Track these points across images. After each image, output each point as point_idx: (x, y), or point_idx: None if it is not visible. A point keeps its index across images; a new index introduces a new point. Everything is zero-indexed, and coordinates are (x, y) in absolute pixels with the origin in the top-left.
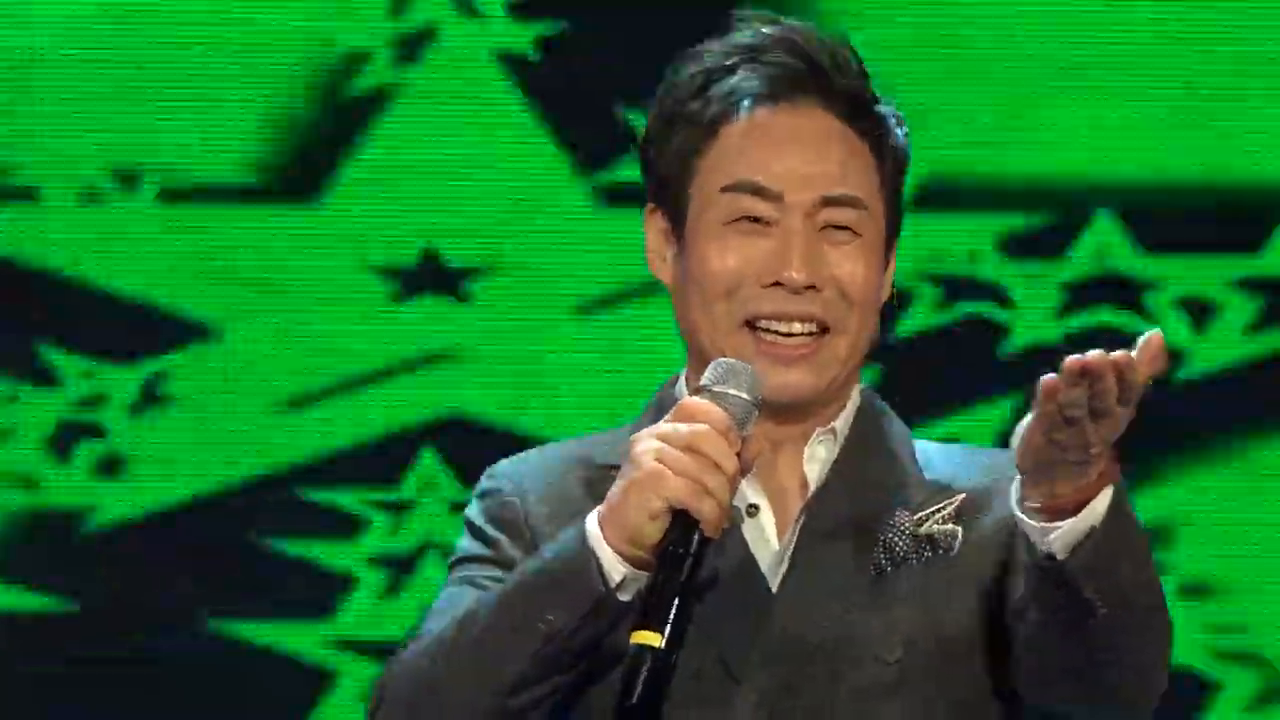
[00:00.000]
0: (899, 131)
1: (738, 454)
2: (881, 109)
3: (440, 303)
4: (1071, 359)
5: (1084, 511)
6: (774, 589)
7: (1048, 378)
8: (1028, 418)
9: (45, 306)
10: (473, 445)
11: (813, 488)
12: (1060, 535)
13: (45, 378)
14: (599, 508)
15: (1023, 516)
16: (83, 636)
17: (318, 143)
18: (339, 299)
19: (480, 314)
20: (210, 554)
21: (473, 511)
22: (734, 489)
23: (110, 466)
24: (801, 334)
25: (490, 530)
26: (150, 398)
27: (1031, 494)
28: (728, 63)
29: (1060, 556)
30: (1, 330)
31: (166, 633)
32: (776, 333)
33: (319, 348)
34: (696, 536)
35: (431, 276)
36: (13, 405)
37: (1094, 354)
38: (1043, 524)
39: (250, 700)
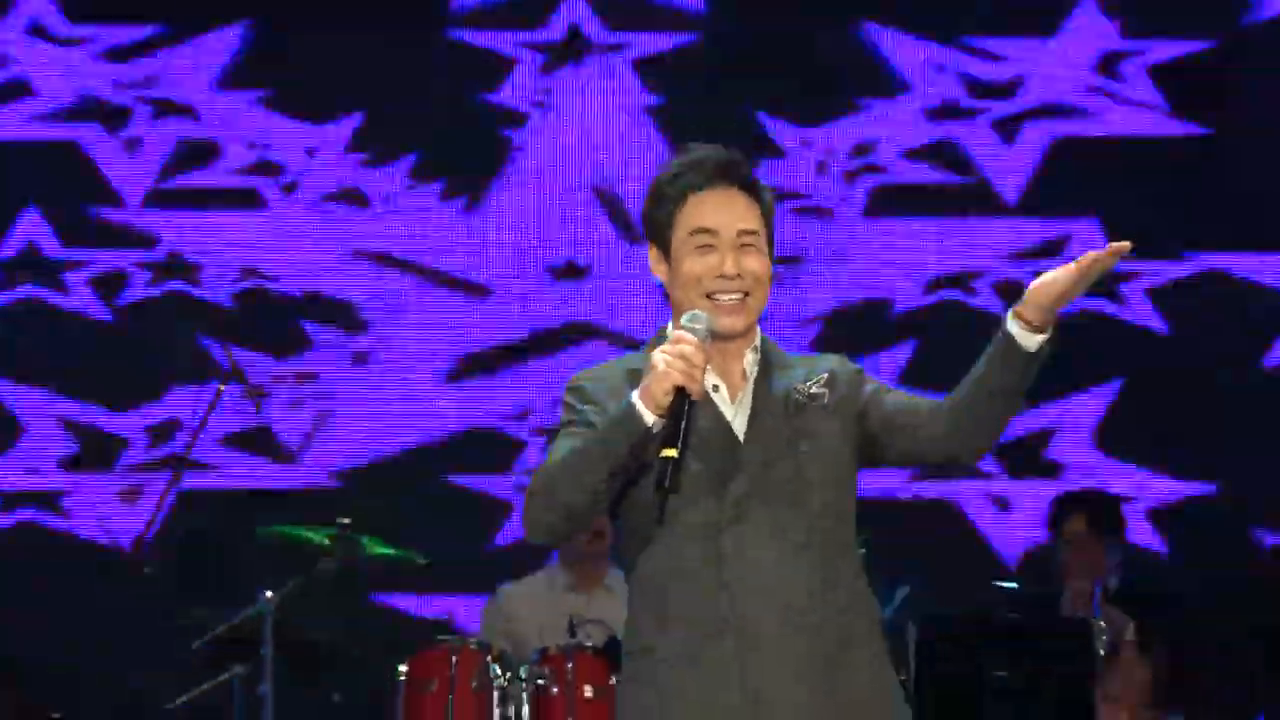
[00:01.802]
0: (767, 195)
1: (706, 356)
2: (760, 184)
3: None
4: (1114, 245)
5: (1049, 330)
6: (738, 432)
7: (1100, 252)
8: (1053, 274)
9: None
10: None
11: (751, 377)
12: (1039, 340)
13: None
14: (637, 389)
15: (1018, 329)
16: None
17: None
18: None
19: None
20: None
21: (568, 399)
22: (703, 374)
23: None
24: (734, 298)
25: (579, 405)
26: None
27: (1035, 316)
28: (685, 168)
29: (1032, 351)
30: None
31: None
32: (721, 298)
33: None
34: (688, 400)
35: None
36: None
37: (1120, 244)
38: (1030, 332)
39: None
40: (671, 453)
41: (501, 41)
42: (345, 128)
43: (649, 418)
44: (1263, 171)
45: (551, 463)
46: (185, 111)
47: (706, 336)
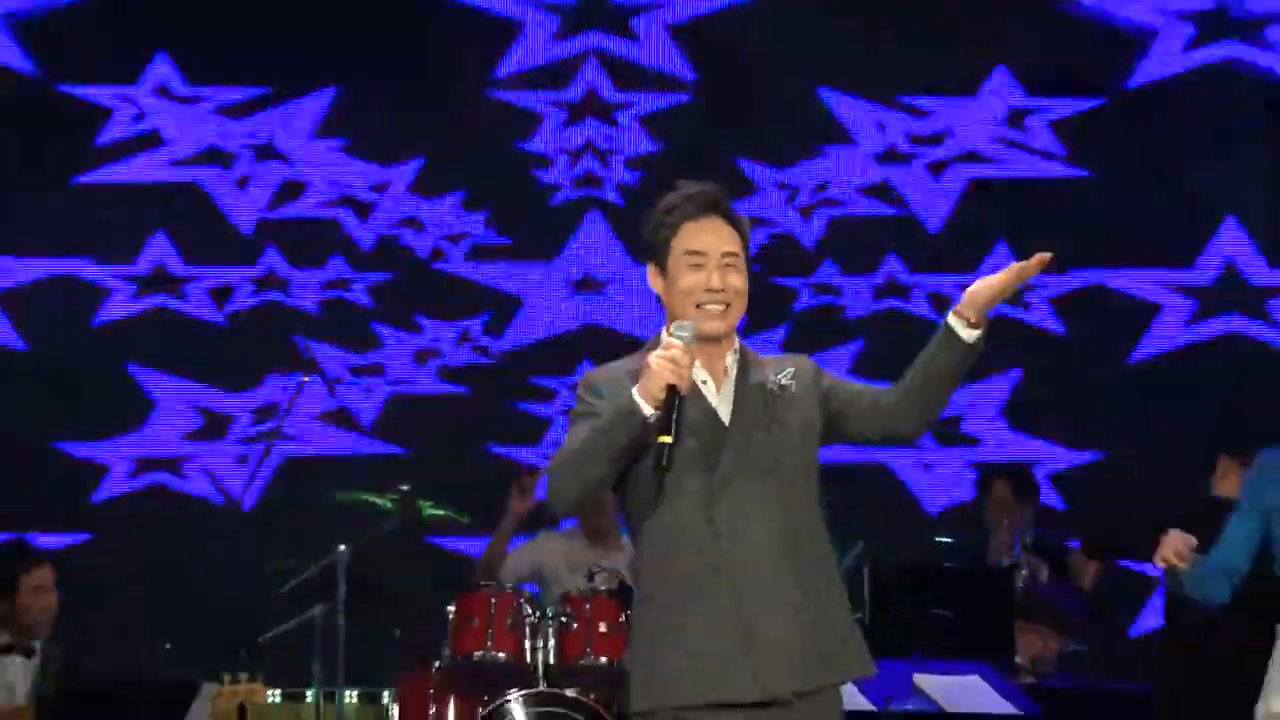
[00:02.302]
0: (745, 224)
1: (692, 357)
2: (739, 216)
3: None
4: (1039, 256)
5: (984, 327)
6: (724, 418)
7: (1026, 262)
8: (988, 280)
9: None
10: None
11: (732, 373)
12: (976, 335)
13: None
14: (636, 385)
15: (958, 324)
16: None
17: None
18: None
19: None
20: None
21: (581, 391)
22: (689, 373)
23: None
24: (719, 308)
25: (590, 398)
26: None
27: (972, 315)
28: (680, 202)
29: (971, 343)
30: None
31: None
32: (709, 307)
33: None
34: (678, 395)
35: None
36: None
37: (1042, 255)
38: (969, 328)
39: None
40: (666, 439)
41: (533, 100)
42: (409, 170)
43: (647, 410)
44: (1135, 206)
45: (568, 448)
46: (282, 157)
47: (692, 341)
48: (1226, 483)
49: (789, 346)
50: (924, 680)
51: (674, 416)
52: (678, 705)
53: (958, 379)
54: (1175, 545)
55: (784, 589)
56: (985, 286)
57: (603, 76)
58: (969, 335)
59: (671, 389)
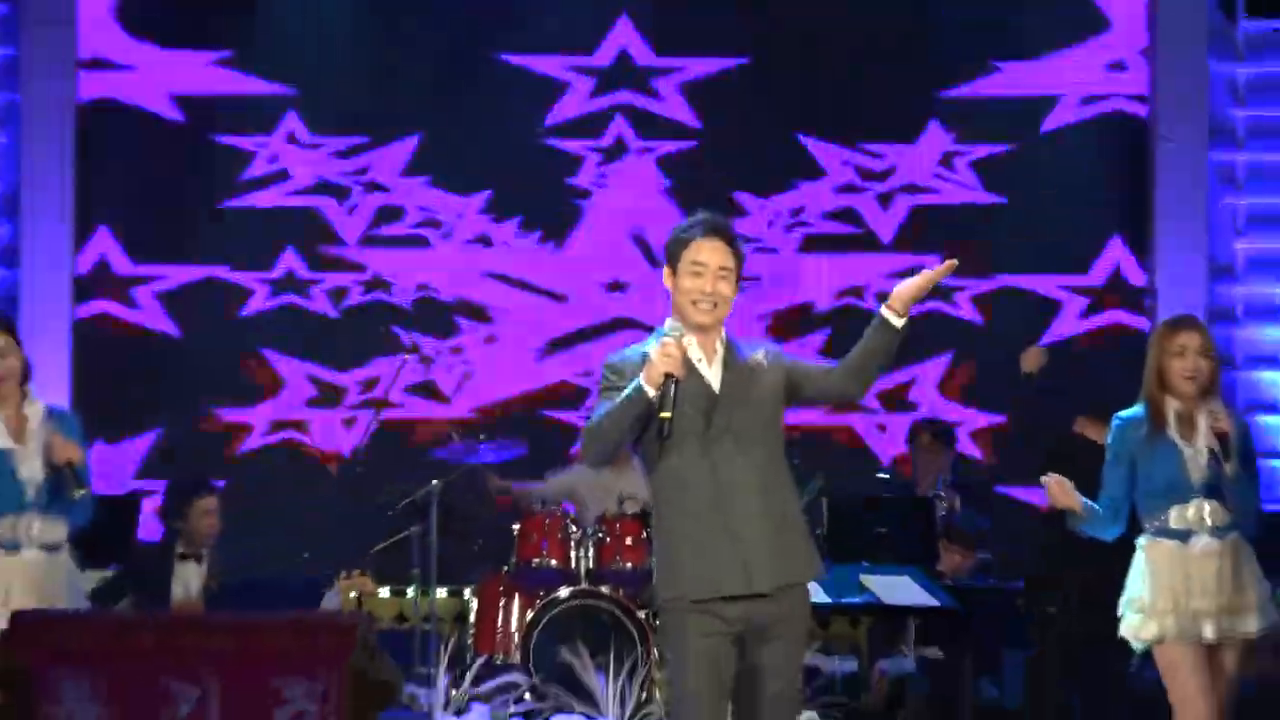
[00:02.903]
0: (740, 246)
1: (682, 350)
2: (736, 239)
3: None
4: (947, 263)
5: (907, 316)
6: (715, 388)
7: (937, 268)
8: (912, 280)
9: None
10: None
11: (720, 354)
12: (903, 322)
13: None
14: (642, 373)
15: (889, 314)
16: None
17: None
18: None
19: None
20: None
21: (606, 371)
22: (681, 363)
23: None
24: (708, 307)
25: (612, 378)
26: None
27: (900, 308)
28: (693, 224)
29: (898, 328)
30: None
31: None
32: (701, 305)
33: None
34: (674, 379)
35: None
36: None
37: (950, 262)
38: (897, 317)
39: None
40: (665, 415)
41: (574, 146)
42: (480, 199)
43: (651, 392)
44: (1040, 226)
45: (596, 417)
46: (382, 189)
47: (682, 336)
48: (1095, 430)
49: (778, 329)
50: (868, 579)
51: (671, 396)
52: (695, 599)
53: (890, 355)
54: (1055, 487)
55: (760, 514)
56: (908, 286)
57: (628, 126)
58: (897, 322)
59: (668, 376)
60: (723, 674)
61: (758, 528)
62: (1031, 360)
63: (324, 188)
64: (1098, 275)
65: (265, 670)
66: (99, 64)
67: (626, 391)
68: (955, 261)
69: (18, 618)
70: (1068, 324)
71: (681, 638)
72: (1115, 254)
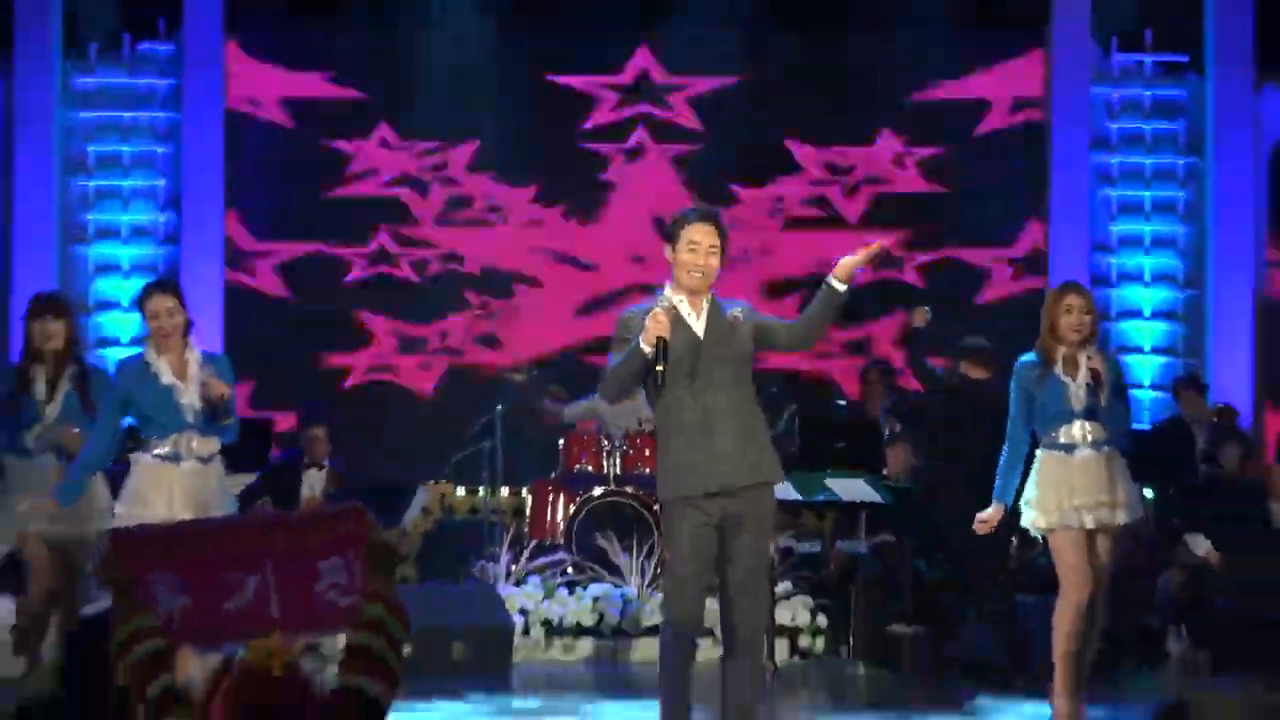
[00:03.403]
0: (725, 229)
1: (670, 319)
2: (723, 224)
3: None
4: (880, 241)
5: (850, 284)
6: (700, 336)
7: (874, 245)
8: (852, 255)
9: None
10: None
11: (705, 310)
12: (845, 288)
13: None
14: (641, 334)
15: (835, 281)
16: None
17: None
18: None
19: None
20: None
21: (618, 326)
22: (669, 328)
23: None
24: (698, 276)
25: (622, 331)
26: None
27: (844, 276)
28: (689, 212)
29: (842, 292)
30: None
31: None
32: (693, 274)
33: None
34: (664, 341)
35: None
36: None
37: (884, 241)
38: (840, 283)
39: None
40: (660, 368)
41: (605, 148)
42: (529, 190)
43: (648, 350)
44: (974, 213)
45: (610, 366)
46: (454, 182)
47: (671, 304)
48: (974, 370)
49: (767, 292)
50: (831, 482)
51: (663, 353)
52: (682, 496)
53: (835, 314)
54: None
55: (734, 432)
56: (850, 259)
57: (646, 132)
58: (840, 287)
59: (659, 339)
60: (706, 554)
61: (732, 442)
62: (919, 317)
63: (407, 180)
64: (1019, 249)
65: (306, 556)
66: (238, 86)
67: (630, 348)
68: (885, 242)
69: (116, 534)
70: (995, 289)
71: (675, 526)
72: (1033, 234)
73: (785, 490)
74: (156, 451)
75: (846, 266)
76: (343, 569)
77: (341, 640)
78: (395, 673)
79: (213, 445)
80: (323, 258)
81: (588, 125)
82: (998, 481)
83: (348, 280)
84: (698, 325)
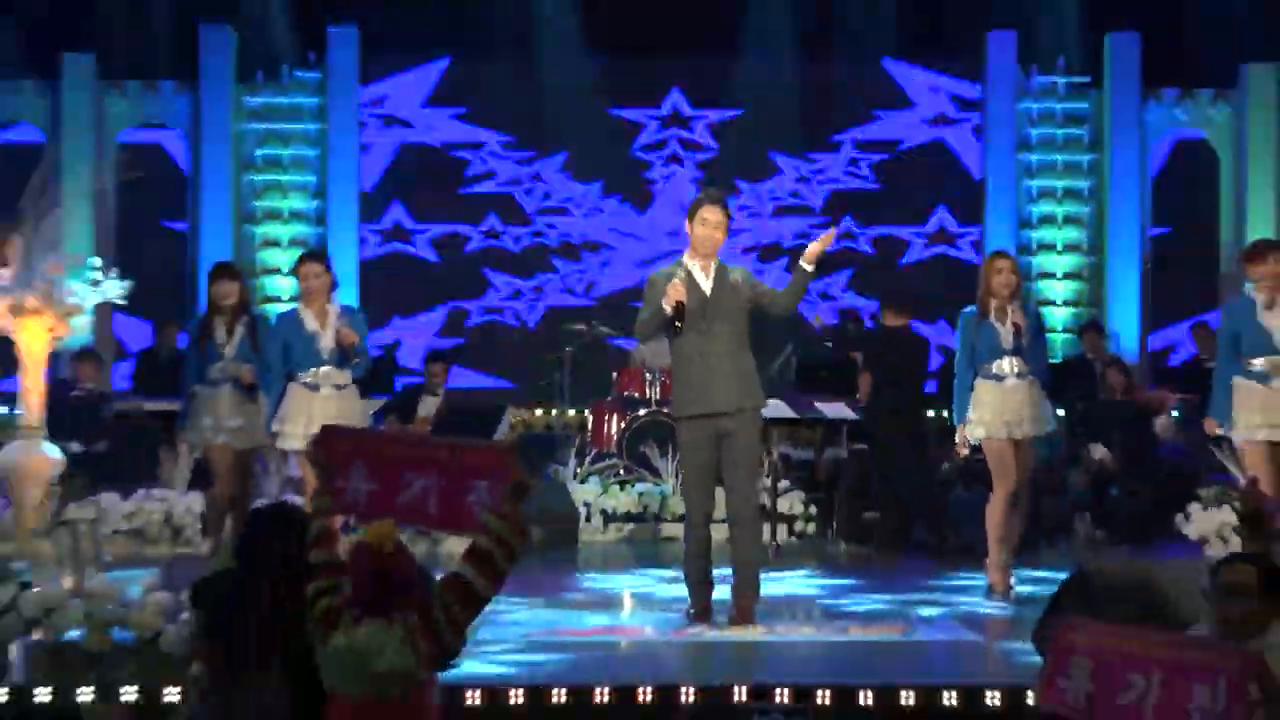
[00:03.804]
0: (730, 209)
1: (685, 287)
2: (728, 205)
3: None
4: (831, 231)
5: (813, 265)
6: (708, 293)
7: (827, 235)
8: (815, 244)
9: None
10: None
11: (712, 273)
12: (812, 268)
13: None
14: (664, 297)
15: (804, 264)
16: None
17: None
18: None
19: None
20: None
21: (647, 286)
22: (684, 293)
23: None
24: (710, 247)
25: (649, 289)
26: None
27: (810, 261)
28: (703, 195)
29: (810, 272)
30: None
31: None
32: (706, 245)
33: None
34: (680, 304)
35: None
36: None
37: (833, 230)
38: (809, 267)
39: None
40: (678, 324)
41: (649, 157)
42: (598, 186)
43: (668, 310)
44: (902, 199)
45: (640, 317)
46: (545, 183)
47: (686, 275)
48: (893, 318)
49: (760, 258)
50: (819, 404)
51: (679, 313)
52: (688, 415)
53: (805, 288)
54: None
55: (729, 369)
56: (814, 246)
57: (679, 147)
58: (809, 269)
59: (679, 302)
60: (708, 457)
61: (726, 375)
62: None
63: (514, 182)
64: (932, 226)
65: (466, 474)
66: (380, 106)
67: (654, 308)
68: (834, 231)
69: (325, 430)
70: (912, 255)
71: (684, 437)
72: (940, 216)
73: (783, 409)
74: (302, 381)
75: (811, 253)
76: (488, 491)
77: (469, 541)
78: (502, 574)
79: (345, 377)
80: (456, 236)
81: (638, 142)
82: (955, 407)
83: (468, 250)
84: (707, 285)
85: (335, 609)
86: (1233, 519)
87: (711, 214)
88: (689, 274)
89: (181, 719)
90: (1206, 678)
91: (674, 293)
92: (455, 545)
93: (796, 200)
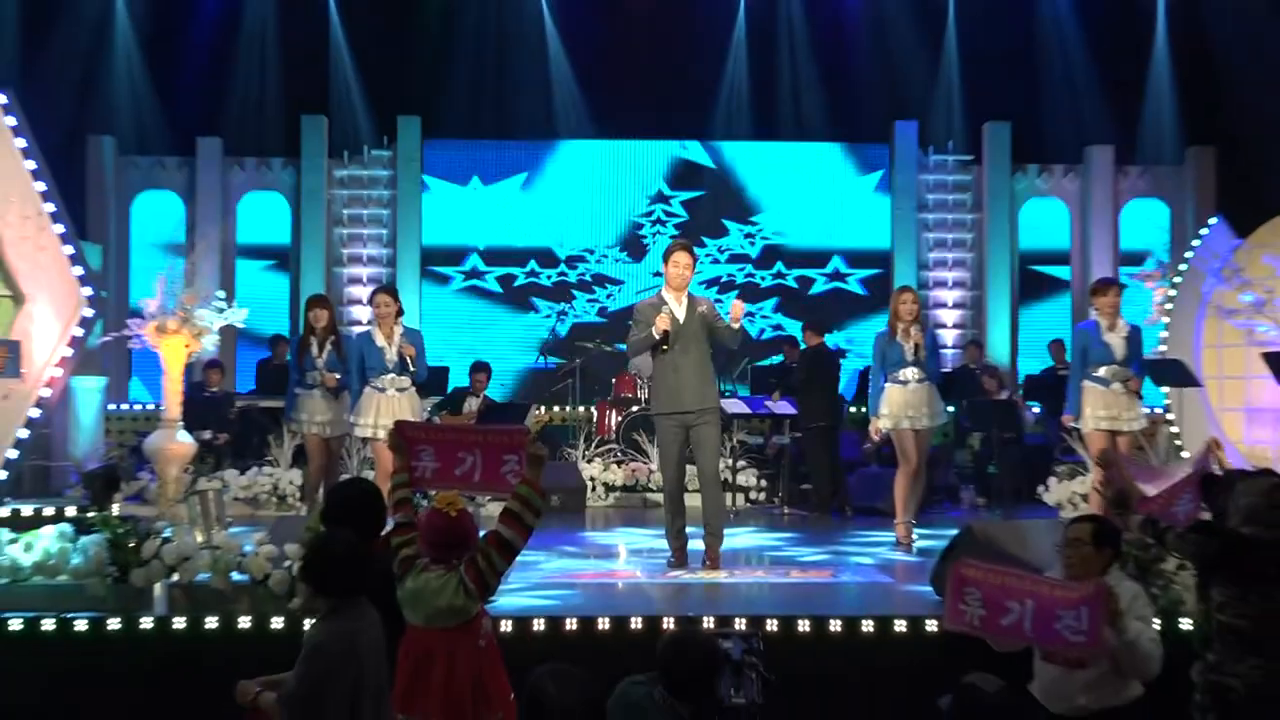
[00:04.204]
0: (695, 254)
1: (671, 316)
2: (694, 251)
3: None
4: (741, 306)
5: (738, 322)
6: (681, 320)
7: (740, 304)
8: (735, 310)
9: None
10: None
11: (684, 303)
12: (738, 325)
13: None
14: (654, 324)
15: (732, 324)
16: None
17: None
18: None
19: None
20: None
21: (635, 312)
22: (670, 322)
23: None
24: (679, 283)
25: (638, 316)
26: None
27: (735, 321)
28: (675, 243)
29: (736, 330)
30: None
31: None
32: (676, 283)
33: None
34: (667, 332)
35: None
36: None
37: (742, 304)
38: (735, 325)
39: None
40: (665, 347)
41: (653, 206)
42: (612, 249)
43: (657, 336)
44: (821, 248)
45: (631, 339)
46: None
47: (669, 311)
48: (811, 338)
49: (714, 289)
50: (769, 403)
51: (666, 337)
52: (663, 412)
53: (736, 339)
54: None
55: (694, 380)
56: (735, 314)
57: (674, 189)
58: (736, 327)
59: (664, 331)
60: (678, 447)
61: (692, 383)
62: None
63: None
64: (831, 268)
65: (499, 450)
66: (429, 172)
67: (647, 332)
68: (741, 305)
69: (399, 423)
70: (819, 287)
71: (660, 431)
72: (835, 260)
73: (741, 407)
74: (374, 385)
75: (735, 316)
76: (516, 462)
77: (502, 504)
78: (529, 528)
79: (405, 382)
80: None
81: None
82: (870, 404)
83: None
84: (680, 313)
85: (410, 558)
86: (1081, 489)
87: (682, 258)
88: (666, 304)
89: (309, 646)
90: (1071, 605)
91: (661, 323)
92: (493, 508)
93: (740, 251)
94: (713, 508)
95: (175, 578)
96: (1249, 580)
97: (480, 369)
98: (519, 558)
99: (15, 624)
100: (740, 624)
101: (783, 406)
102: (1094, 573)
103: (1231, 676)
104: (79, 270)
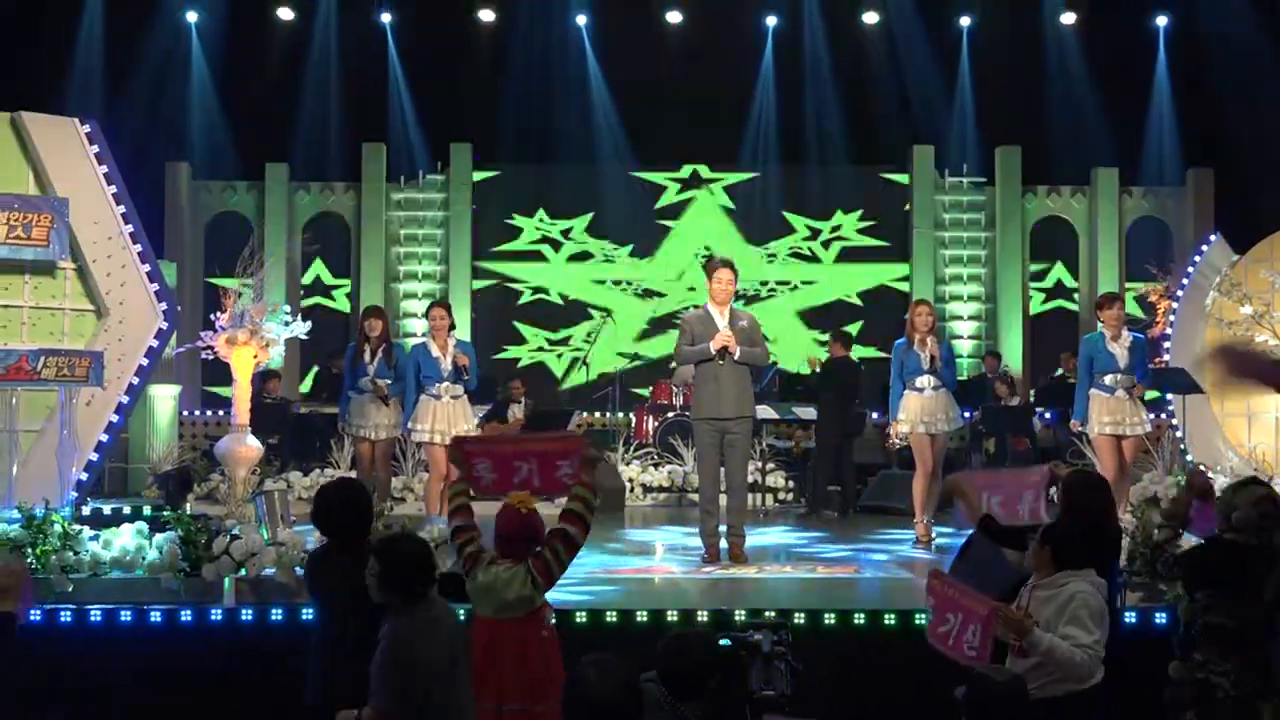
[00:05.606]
0: (737, 270)
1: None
2: (735, 267)
3: None
4: (727, 338)
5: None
6: (721, 329)
7: (726, 337)
8: (729, 344)
9: None
10: None
11: (727, 316)
12: (739, 351)
13: None
14: (710, 339)
15: (734, 355)
16: None
17: None
18: None
19: None
20: None
21: (680, 323)
22: (727, 339)
23: None
24: (724, 299)
25: (685, 327)
26: None
27: (733, 349)
28: (717, 260)
29: (738, 356)
30: None
31: None
32: (720, 299)
33: None
34: (725, 348)
35: None
36: None
37: (730, 339)
38: (737, 354)
39: None
40: (720, 360)
41: (670, 220)
42: (627, 249)
43: (714, 351)
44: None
45: (682, 351)
46: (578, 242)
47: (727, 329)
48: (837, 349)
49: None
50: (796, 409)
51: (723, 352)
52: (703, 418)
53: (757, 363)
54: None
55: (733, 389)
56: (731, 348)
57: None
58: (737, 354)
59: (723, 346)
60: (715, 451)
61: (729, 391)
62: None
63: (548, 240)
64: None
65: (553, 455)
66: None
67: (702, 345)
68: (730, 335)
69: (457, 438)
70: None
71: (698, 436)
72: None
73: (771, 413)
74: (429, 393)
75: (715, 344)
76: (569, 465)
77: (562, 503)
78: (587, 524)
79: (458, 390)
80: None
81: (659, 204)
82: (891, 409)
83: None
84: (721, 324)
85: (473, 555)
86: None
87: (724, 274)
88: (711, 318)
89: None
90: (971, 619)
91: (721, 339)
92: (551, 510)
93: (806, 251)
94: (737, 510)
95: (243, 572)
96: (1236, 583)
97: (515, 377)
98: None
99: (95, 615)
100: (770, 616)
101: (808, 412)
102: (1043, 568)
103: (1219, 675)
104: (156, 286)
